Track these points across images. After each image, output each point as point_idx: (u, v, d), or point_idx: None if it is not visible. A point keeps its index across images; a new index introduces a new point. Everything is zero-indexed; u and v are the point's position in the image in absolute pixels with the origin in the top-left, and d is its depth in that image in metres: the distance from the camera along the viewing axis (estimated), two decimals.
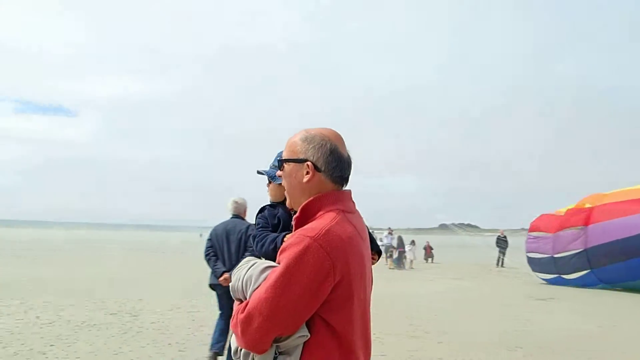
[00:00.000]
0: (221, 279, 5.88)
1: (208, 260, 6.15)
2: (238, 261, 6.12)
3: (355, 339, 1.71)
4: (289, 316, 1.59)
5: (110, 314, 9.75)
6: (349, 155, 1.86)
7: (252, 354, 1.67)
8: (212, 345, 6.17)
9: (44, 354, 6.63)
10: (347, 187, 1.88)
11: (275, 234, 2.31)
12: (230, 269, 5.75)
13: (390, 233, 29.55)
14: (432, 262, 30.21)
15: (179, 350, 7.12)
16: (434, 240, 37.12)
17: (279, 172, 1.93)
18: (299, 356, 1.62)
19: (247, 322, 1.60)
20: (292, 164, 1.84)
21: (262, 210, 2.53)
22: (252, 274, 1.71)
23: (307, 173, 1.81)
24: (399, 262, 25.36)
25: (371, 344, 1.82)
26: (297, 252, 1.59)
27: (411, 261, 26.06)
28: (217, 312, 6.34)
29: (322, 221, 1.70)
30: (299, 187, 1.84)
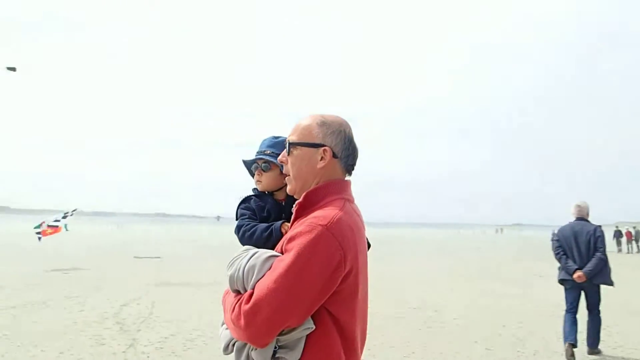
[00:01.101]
0: (575, 275, 6.43)
1: (559, 258, 6.76)
2: (588, 260, 6.10)
3: (356, 330, 1.65)
4: (299, 307, 1.51)
5: (413, 308, 10.26)
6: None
7: (246, 348, 1.60)
8: (567, 337, 6.42)
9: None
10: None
11: (265, 224, 2.03)
12: (580, 267, 6.42)
13: None
14: None
15: (486, 349, 6.98)
16: None
17: (282, 157, 1.85)
18: (302, 350, 1.55)
19: (253, 313, 1.50)
20: (305, 148, 1.77)
21: (246, 200, 2.19)
22: (254, 264, 1.59)
23: (322, 159, 1.77)
24: None
25: (366, 334, 1.77)
26: (310, 241, 1.52)
27: None
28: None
29: (332, 210, 1.63)
30: (311, 172, 1.77)
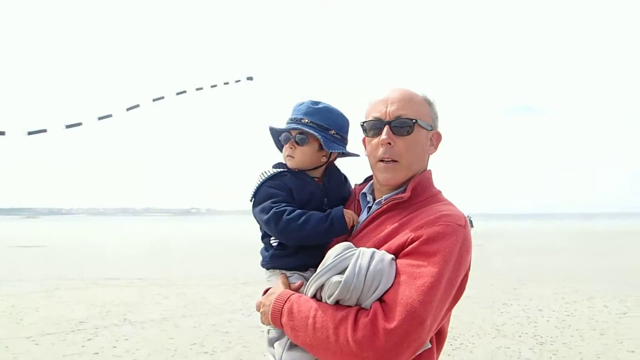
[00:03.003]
0: None
1: None
2: None
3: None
4: (440, 322, 1.33)
5: None
6: None
7: None
8: None
9: None
10: None
11: (319, 212, 1.55)
12: None
13: None
14: None
15: None
16: None
17: (387, 138, 1.48)
18: None
19: (403, 332, 1.20)
20: (422, 130, 1.52)
21: (277, 176, 1.65)
22: (381, 268, 1.28)
23: (431, 144, 1.58)
24: None
25: None
26: (455, 245, 1.32)
27: None
28: None
29: (453, 207, 1.47)
30: (422, 159, 1.56)
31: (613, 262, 17.54)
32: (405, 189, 1.52)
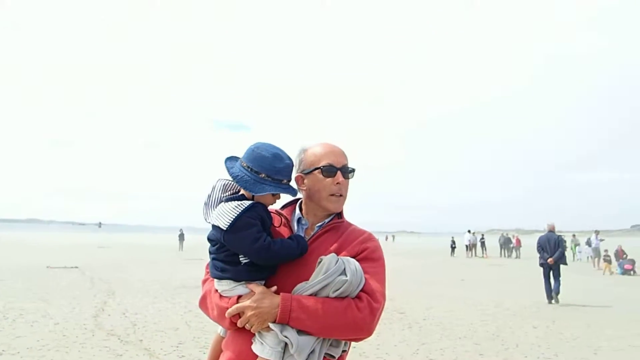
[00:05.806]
0: (549, 260, 12.60)
1: (540, 252, 12.99)
2: (554, 253, 12.65)
3: None
4: None
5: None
6: None
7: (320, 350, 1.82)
8: (547, 292, 12.51)
9: None
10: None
11: (289, 241, 1.96)
12: (551, 256, 12.61)
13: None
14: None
15: (474, 344, 7.55)
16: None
17: (345, 179, 2.07)
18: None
19: (381, 309, 1.86)
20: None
21: (253, 207, 1.92)
22: (361, 269, 1.86)
23: None
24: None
25: None
26: (382, 251, 2.06)
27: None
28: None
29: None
30: None
31: None
32: (339, 215, 2.13)
